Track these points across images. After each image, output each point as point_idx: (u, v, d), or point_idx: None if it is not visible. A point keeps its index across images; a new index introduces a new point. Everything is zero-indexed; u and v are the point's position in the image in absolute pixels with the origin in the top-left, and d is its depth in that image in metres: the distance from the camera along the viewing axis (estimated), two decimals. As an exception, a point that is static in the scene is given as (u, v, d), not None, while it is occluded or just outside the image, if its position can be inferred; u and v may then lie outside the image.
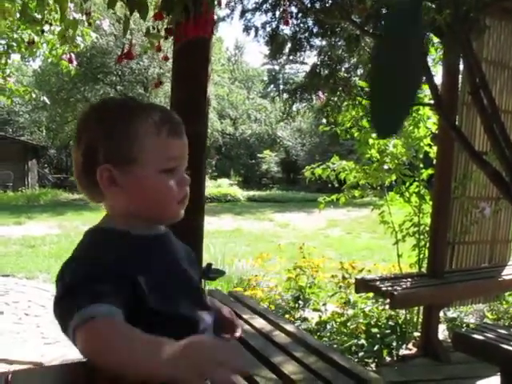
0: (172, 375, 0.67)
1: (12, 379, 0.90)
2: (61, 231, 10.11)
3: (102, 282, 0.77)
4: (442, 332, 3.66)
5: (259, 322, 2.48)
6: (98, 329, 0.72)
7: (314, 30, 3.77)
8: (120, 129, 0.87)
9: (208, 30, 2.17)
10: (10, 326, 3.99)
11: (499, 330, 2.29)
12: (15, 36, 4.54)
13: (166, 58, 3.25)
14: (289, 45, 6.17)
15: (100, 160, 0.87)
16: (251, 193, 21.44)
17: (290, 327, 2.40)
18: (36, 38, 4.41)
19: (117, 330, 0.72)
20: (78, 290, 0.77)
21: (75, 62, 4.57)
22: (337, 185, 4.30)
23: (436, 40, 3.34)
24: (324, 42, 4.06)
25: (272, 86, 39.01)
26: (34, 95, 5.45)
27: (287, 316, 3.78)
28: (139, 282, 0.81)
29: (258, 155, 28.00)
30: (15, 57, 4.92)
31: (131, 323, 0.77)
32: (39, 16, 3.88)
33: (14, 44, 4.58)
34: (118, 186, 0.88)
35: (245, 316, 2.55)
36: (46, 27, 4.17)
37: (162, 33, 2.90)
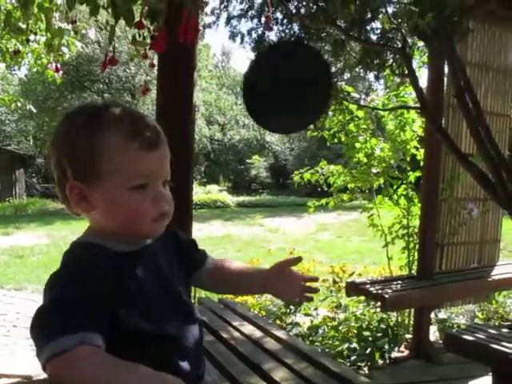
0: None
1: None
2: (49, 241, 10.01)
3: (76, 304, 0.75)
4: (434, 333, 3.67)
5: (249, 329, 2.46)
6: (67, 363, 0.69)
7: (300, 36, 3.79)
8: (86, 144, 0.82)
9: (192, 37, 2.16)
10: (-2, 339, 3.93)
11: (490, 330, 2.30)
12: (0, 46, 4.51)
13: (152, 65, 3.25)
14: (275, 50, 6.15)
15: (69, 176, 0.84)
16: (241, 198, 21.42)
17: (280, 333, 2.39)
18: (21, 48, 4.39)
19: (89, 362, 0.69)
20: (51, 318, 0.75)
21: (61, 71, 4.54)
22: (326, 189, 4.31)
23: (420, 44, 3.37)
24: (310, 47, 4.09)
25: (260, 91, 39.02)
26: (19, 104, 5.42)
27: (279, 322, 3.76)
28: (117, 301, 0.79)
29: (247, 161, 28.00)
30: (0, 66, 4.88)
31: (113, 342, 0.76)
32: (24, 26, 3.86)
33: (-1, 53, 4.55)
34: (88, 203, 0.85)
35: (234, 323, 2.54)
36: (32, 37, 4.16)
37: (148, 40, 2.90)
